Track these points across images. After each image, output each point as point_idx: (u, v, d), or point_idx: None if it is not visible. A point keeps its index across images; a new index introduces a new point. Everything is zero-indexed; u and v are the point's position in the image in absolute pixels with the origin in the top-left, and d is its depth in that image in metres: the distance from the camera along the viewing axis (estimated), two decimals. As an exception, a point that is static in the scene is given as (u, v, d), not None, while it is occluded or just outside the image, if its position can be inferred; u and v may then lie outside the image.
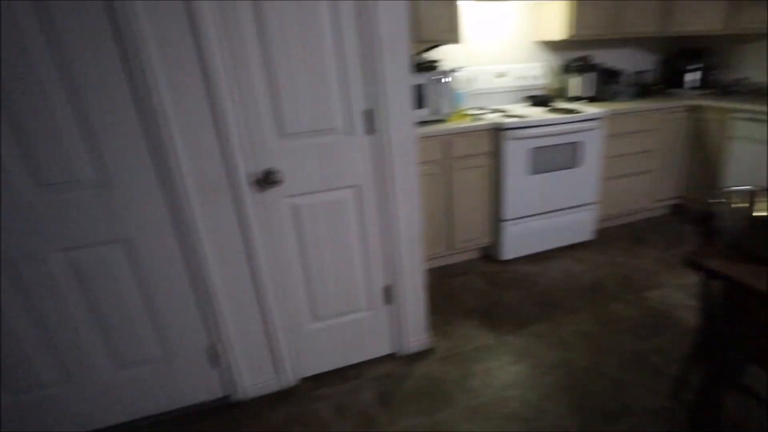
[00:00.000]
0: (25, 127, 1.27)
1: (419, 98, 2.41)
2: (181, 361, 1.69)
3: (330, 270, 1.73)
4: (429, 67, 2.49)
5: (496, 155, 2.53)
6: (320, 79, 1.46)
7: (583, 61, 3.03)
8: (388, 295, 1.85)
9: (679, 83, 3.26)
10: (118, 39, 1.26)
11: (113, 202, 1.42)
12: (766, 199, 1.12)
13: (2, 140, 1.27)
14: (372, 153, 1.61)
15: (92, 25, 1.23)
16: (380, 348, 1.94)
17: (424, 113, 2.46)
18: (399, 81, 1.54)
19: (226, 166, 1.46)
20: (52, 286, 1.46)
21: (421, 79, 2.40)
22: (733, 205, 1.17)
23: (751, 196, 1.14)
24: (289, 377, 1.84)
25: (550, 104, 2.92)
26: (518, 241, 2.71)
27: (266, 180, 1.52)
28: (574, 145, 2.63)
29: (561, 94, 3.16)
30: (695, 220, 3.15)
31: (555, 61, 3.16)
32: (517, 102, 3.11)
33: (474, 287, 2.56)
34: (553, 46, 3.10)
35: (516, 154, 2.50)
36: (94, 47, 1.25)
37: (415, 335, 1.95)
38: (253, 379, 1.80)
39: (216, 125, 1.41)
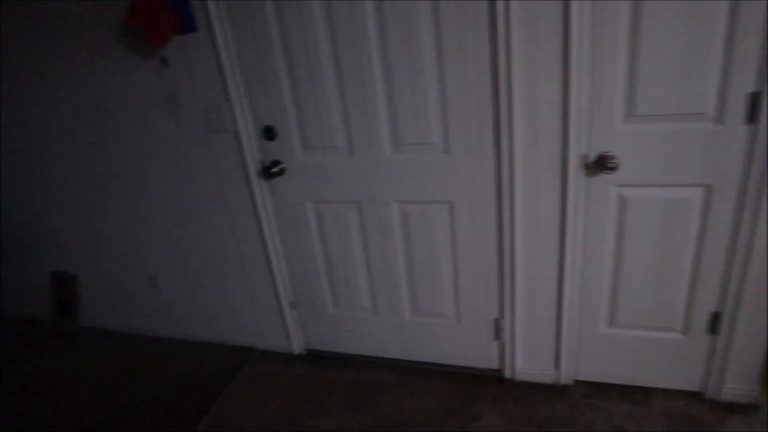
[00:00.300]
0: (395, 95, 1.50)
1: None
2: (469, 325, 1.80)
3: (647, 277, 1.51)
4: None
5: None
6: (696, 51, 1.22)
7: None
8: (715, 323, 1.51)
9: None
10: (492, 19, 1.33)
11: (448, 166, 1.55)
12: None
13: (381, 107, 1.53)
14: (744, 148, 1.28)
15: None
16: (683, 380, 1.62)
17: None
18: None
19: (561, 146, 1.41)
20: (384, 231, 1.73)
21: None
22: None
23: None
24: (563, 374, 1.73)
25: None
26: None
27: (599, 164, 1.40)
28: None
29: None
30: None
31: None
32: None
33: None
34: None
35: None
36: (467, 25, 1.35)
37: (738, 381, 1.55)
38: (527, 362, 1.77)
39: (563, 105, 1.36)
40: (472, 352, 1.84)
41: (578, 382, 1.77)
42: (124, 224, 2.14)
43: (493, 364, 1.83)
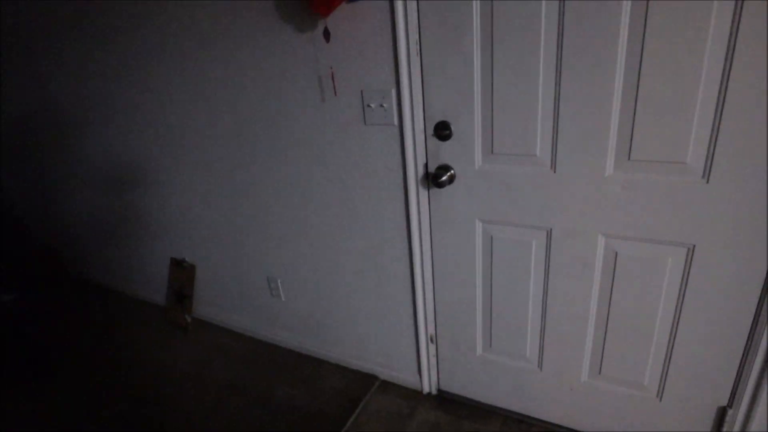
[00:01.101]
0: (641, 94, 1.06)
1: None
2: (675, 406, 1.34)
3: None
4: None
5: None
6: None
7: None
8: None
9: None
10: None
11: (702, 198, 1.10)
12: None
13: (613, 108, 1.10)
14: None
15: None
16: None
17: None
18: None
19: None
20: (576, 270, 1.31)
21: None
22: None
23: None
24: None
25: None
26: None
27: None
28: None
29: None
30: None
31: None
32: None
33: None
34: None
35: None
36: None
37: None
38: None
39: None
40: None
41: None
42: (250, 219, 1.92)
43: None
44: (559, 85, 1.15)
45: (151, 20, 1.76)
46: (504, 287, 1.46)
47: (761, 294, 1.13)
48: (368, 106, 1.41)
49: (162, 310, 2.57)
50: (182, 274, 2.32)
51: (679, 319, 1.25)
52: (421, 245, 1.53)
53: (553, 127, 1.20)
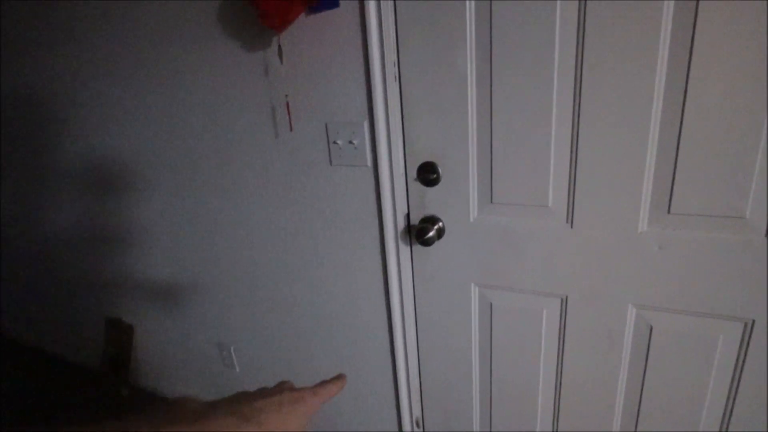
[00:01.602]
0: (684, 136, 0.82)
1: None
2: None
3: None
4: None
5: None
6: None
7: None
8: None
9: None
10: None
11: (759, 258, 0.85)
12: None
13: (647, 150, 0.85)
14: None
15: None
16: None
17: None
18: None
19: None
20: (599, 344, 1.04)
21: None
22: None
23: None
24: None
25: None
26: None
27: None
28: None
29: None
30: None
31: None
32: None
33: None
34: None
35: None
36: None
37: None
38: None
39: None
40: None
41: None
42: (197, 275, 1.59)
43: None
44: (578, 115, 0.90)
45: (85, 34, 1.45)
46: (507, 364, 1.18)
47: (842, 384, 0.88)
48: (334, 142, 1.13)
49: (98, 375, 2.17)
50: (119, 336, 1.94)
51: (732, 408, 0.98)
52: (402, 312, 1.24)
53: (570, 170, 0.94)
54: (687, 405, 1.02)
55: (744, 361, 0.93)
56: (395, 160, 1.08)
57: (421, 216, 1.12)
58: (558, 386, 1.14)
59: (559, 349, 1.10)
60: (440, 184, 1.06)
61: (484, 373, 1.22)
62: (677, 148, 0.85)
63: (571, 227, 0.98)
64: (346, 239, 1.22)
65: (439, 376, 1.29)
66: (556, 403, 1.16)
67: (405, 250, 1.17)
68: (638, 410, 1.07)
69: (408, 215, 1.14)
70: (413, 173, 1.09)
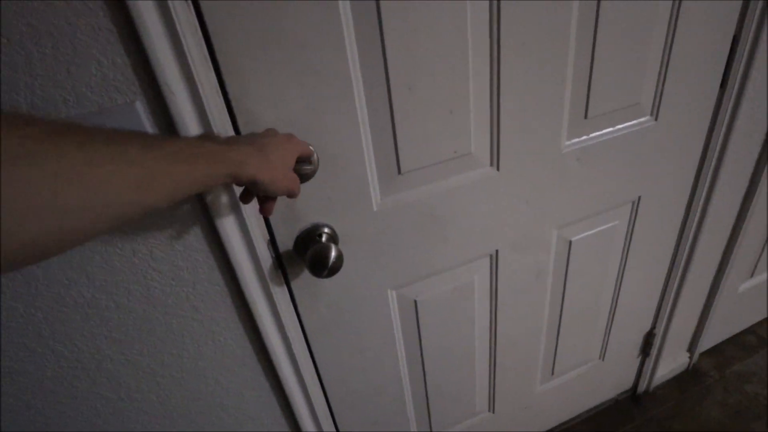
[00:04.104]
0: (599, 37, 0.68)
1: None
2: (614, 357, 1.24)
3: None
4: None
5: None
6: None
7: None
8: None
9: None
10: None
11: (653, 141, 0.86)
12: None
13: (568, 60, 0.67)
14: None
15: None
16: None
17: None
18: None
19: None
20: (525, 286, 0.94)
21: None
22: None
23: None
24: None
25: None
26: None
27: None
28: None
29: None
30: None
31: None
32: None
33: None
34: None
35: None
36: None
37: None
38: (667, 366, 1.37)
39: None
40: (609, 384, 1.31)
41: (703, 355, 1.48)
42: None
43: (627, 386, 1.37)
44: (498, 38, 0.62)
45: None
46: (440, 354, 0.95)
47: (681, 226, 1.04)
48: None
49: None
50: None
51: (620, 286, 1.07)
52: (301, 383, 0.80)
53: (493, 103, 0.68)
54: (595, 292, 1.06)
55: (632, 232, 0.99)
56: (227, 159, 0.56)
57: (295, 233, 0.67)
58: (493, 346, 1.00)
59: (491, 309, 0.94)
60: (317, 174, 0.63)
61: (415, 379, 0.96)
62: (592, 55, 0.70)
63: (498, 170, 0.75)
64: (165, 329, 0.65)
65: (366, 414, 0.95)
66: (492, 361, 1.04)
67: (281, 293, 0.70)
68: (559, 322, 1.06)
69: (273, 241, 0.66)
70: (266, 171, 0.60)
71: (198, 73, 0.49)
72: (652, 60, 0.76)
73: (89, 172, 0.27)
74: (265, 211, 0.53)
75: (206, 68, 0.50)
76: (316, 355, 0.80)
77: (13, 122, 0.25)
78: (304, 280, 0.71)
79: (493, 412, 1.15)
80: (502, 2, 0.60)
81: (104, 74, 0.47)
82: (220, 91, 0.52)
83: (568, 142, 0.78)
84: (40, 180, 0.24)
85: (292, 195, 0.52)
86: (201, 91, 0.49)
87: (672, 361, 1.38)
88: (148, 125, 0.50)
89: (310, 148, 0.57)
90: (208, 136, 0.49)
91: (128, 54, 0.47)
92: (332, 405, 0.88)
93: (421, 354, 0.92)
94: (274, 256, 0.67)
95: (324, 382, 0.84)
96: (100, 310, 0.60)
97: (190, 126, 0.51)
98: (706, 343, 1.44)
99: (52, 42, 0.44)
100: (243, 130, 0.56)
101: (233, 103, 0.54)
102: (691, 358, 1.42)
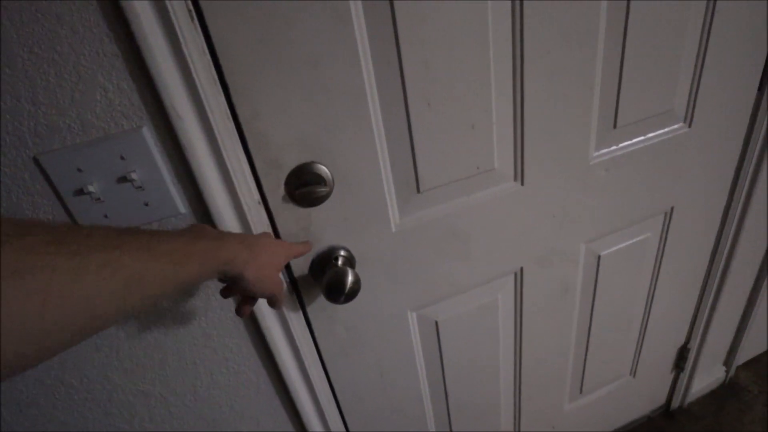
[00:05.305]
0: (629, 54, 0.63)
1: None
2: (646, 372, 1.18)
3: None
4: None
5: None
6: None
7: None
8: None
9: None
10: None
11: (687, 147, 0.81)
12: None
13: (596, 72, 0.63)
14: None
15: None
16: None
17: None
18: None
19: None
20: (553, 302, 0.89)
21: None
22: None
23: None
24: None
25: None
26: None
27: None
28: None
29: None
30: None
31: None
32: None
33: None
34: None
35: None
36: None
37: None
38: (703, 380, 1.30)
39: None
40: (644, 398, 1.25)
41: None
42: None
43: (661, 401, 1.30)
44: (522, 46, 0.59)
45: None
46: (463, 374, 0.91)
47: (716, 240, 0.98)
48: (81, 193, 0.48)
49: None
50: None
51: (651, 300, 1.02)
52: (319, 410, 0.77)
53: (516, 115, 0.64)
54: (627, 306, 1.00)
55: (665, 245, 0.93)
56: (240, 180, 0.53)
57: (310, 256, 0.64)
58: (518, 365, 0.96)
59: (516, 327, 0.90)
60: (333, 195, 0.60)
61: (437, 400, 0.92)
62: (621, 61, 0.66)
63: (522, 184, 0.71)
64: (177, 358, 0.62)
65: (386, 438, 0.92)
66: (517, 380, 0.99)
67: (296, 318, 0.67)
68: (588, 337, 1.00)
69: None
70: (279, 191, 0.57)
71: (206, 96, 0.46)
72: (685, 63, 0.71)
73: (78, 286, 0.27)
74: (242, 313, 0.51)
75: (215, 90, 0.47)
76: (333, 379, 0.77)
77: (13, 231, 0.25)
78: (320, 303, 0.68)
79: (520, 429, 1.10)
80: (525, 6, 0.56)
81: (110, 100, 0.45)
82: (229, 114, 0.50)
83: (596, 153, 0.73)
84: (30, 298, 0.24)
85: (273, 301, 0.50)
86: (210, 114, 0.47)
87: (707, 375, 1.31)
88: (156, 151, 0.48)
89: (304, 248, 0.57)
90: (200, 231, 0.45)
91: (134, 79, 0.45)
92: (350, 428, 0.85)
93: (443, 374, 0.88)
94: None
95: (341, 405, 0.81)
96: (110, 339, 0.58)
97: (199, 151, 0.48)
98: (744, 355, 1.37)
99: (56, 69, 0.42)
100: (254, 153, 0.53)
101: (243, 126, 0.51)
102: (727, 371, 1.34)
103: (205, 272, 0.39)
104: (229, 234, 0.48)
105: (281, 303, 0.52)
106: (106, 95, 0.45)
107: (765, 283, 1.13)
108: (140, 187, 0.49)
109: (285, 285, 0.51)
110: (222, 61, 0.47)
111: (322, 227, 0.62)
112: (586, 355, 1.03)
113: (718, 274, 1.04)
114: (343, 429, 0.84)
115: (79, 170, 0.46)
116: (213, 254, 0.40)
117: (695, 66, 0.73)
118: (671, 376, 1.27)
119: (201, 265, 0.38)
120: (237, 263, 0.42)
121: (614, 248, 0.88)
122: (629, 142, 0.75)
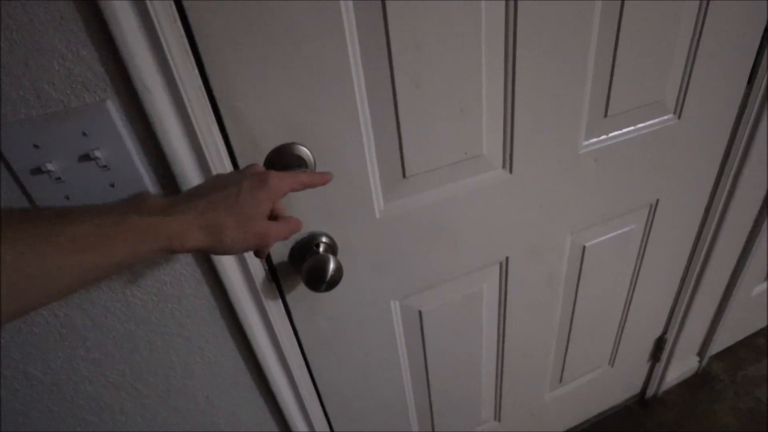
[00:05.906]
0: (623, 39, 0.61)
1: None
2: (624, 362, 1.19)
3: None
4: None
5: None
6: None
7: None
8: None
9: None
10: None
11: (674, 138, 0.80)
12: None
13: (588, 62, 0.61)
14: None
15: None
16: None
17: None
18: None
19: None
20: (537, 293, 0.89)
21: None
22: None
23: None
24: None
25: None
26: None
27: None
28: None
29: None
30: None
31: None
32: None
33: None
34: None
35: None
36: None
37: None
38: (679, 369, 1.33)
39: None
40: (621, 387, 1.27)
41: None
42: None
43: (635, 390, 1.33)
44: (514, 31, 0.56)
45: None
46: (445, 364, 0.90)
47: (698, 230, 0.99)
48: (39, 171, 0.44)
49: None
50: None
51: (633, 288, 1.02)
52: (300, 405, 0.75)
53: (506, 100, 0.62)
54: (604, 301, 1.01)
55: (648, 237, 0.94)
56: (215, 160, 0.50)
57: (290, 243, 0.61)
58: (500, 356, 0.96)
59: (499, 318, 0.89)
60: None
61: (419, 391, 0.91)
62: (615, 48, 0.64)
63: (510, 172, 0.69)
64: (148, 348, 0.59)
65: (367, 429, 0.90)
66: (499, 370, 0.99)
67: (274, 307, 0.64)
68: (570, 327, 1.01)
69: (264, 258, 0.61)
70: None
71: (177, 68, 0.43)
72: (678, 55, 0.70)
73: None
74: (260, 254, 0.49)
75: (187, 61, 0.44)
76: (313, 370, 0.75)
77: None
78: (301, 292, 0.65)
79: (499, 421, 1.10)
80: (519, -11, 0.54)
81: (69, 69, 0.41)
82: (203, 88, 0.46)
83: (586, 142, 0.72)
84: None
85: (258, 252, 0.46)
86: (181, 87, 0.43)
87: (681, 365, 1.34)
88: (122, 127, 0.44)
89: (296, 181, 0.45)
90: (139, 202, 0.36)
91: (96, 46, 0.41)
92: (331, 420, 0.83)
93: (426, 365, 0.87)
94: (267, 268, 0.61)
95: (322, 396, 0.79)
96: (76, 329, 0.55)
97: (170, 128, 0.45)
98: (717, 346, 1.40)
99: (6, 33, 0.38)
100: (230, 132, 0.50)
101: (219, 102, 0.48)
102: (700, 362, 1.37)
103: (140, 252, 0.33)
104: (186, 195, 0.39)
105: (267, 249, 0.45)
106: (65, 64, 0.41)
107: (741, 277, 1.15)
108: (105, 166, 0.45)
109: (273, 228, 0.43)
110: (195, 30, 0.43)
111: (302, 212, 0.59)
112: (567, 345, 1.03)
113: (698, 267, 1.05)
114: (324, 420, 0.82)
115: (36, 146, 0.42)
116: (153, 229, 0.34)
117: (687, 57, 0.71)
118: (647, 366, 1.29)
119: (131, 244, 0.33)
120: (189, 238, 0.36)
121: (599, 239, 0.87)
122: (619, 132, 0.74)
